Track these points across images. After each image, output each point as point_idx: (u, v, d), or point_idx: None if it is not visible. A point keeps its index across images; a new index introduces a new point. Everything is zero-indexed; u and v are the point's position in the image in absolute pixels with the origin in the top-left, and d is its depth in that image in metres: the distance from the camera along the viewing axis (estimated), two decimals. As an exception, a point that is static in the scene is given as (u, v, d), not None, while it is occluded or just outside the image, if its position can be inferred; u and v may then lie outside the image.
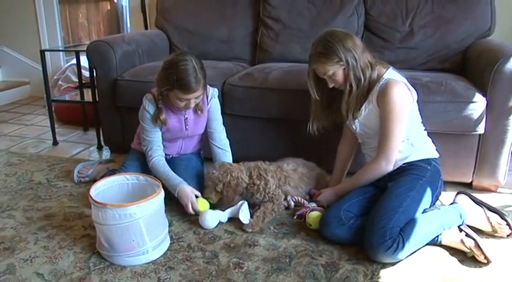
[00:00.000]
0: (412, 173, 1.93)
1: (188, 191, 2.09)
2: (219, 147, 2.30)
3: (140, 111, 2.21)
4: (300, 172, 2.26)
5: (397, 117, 1.89)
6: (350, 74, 1.91)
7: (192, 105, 2.10)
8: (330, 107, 2.11)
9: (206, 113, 2.27)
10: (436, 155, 2.03)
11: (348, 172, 2.31)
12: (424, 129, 2.06)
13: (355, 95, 1.95)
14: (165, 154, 2.28)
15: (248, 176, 2.14)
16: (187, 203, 2.07)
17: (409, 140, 1.97)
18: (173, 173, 2.16)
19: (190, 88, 2.00)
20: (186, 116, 2.22)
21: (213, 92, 2.27)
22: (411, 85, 1.98)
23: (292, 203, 2.18)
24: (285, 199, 2.18)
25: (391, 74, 1.96)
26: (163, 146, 2.27)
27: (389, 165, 1.95)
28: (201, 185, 2.19)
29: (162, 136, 2.25)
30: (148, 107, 2.17)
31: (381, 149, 1.95)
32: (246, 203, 2.12)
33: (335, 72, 1.93)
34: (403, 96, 1.91)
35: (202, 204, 2.09)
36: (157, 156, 2.22)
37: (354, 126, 2.08)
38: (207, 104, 2.25)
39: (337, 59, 1.89)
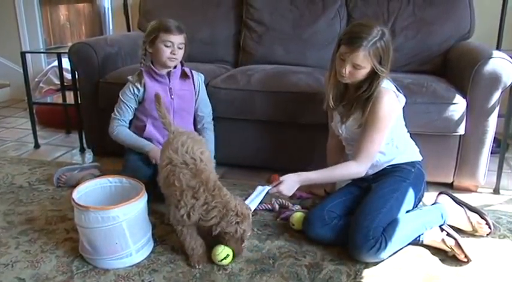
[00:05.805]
0: (396, 175, 1.94)
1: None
2: (206, 128, 2.39)
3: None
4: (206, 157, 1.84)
5: (382, 126, 1.87)
6: (374, 79, 1.84)
7: (178, 54, 2.21)
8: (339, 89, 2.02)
9: (192, 88, 2.33)
10: (420, 158, 2.04)
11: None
12: (407, 131, 2.07)
13: (357, 98, 1.90)
14: (158, 142, 2.26)
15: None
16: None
17: (393, 142, 1.96)
18: (140, 138, 2.27)
19: (173, 29, 2.19)
20: (170, 86, 2.26)
21: (199, 77, 2.39)
22: (401, 90, 1.96)
23: (277, 206, 2.19)
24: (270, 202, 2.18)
25: (384, 82, 1.89)
26: (156, 129, 2.28)
27: (365, 170, 1.93)
28: None
29: (151, 114, 2.25)
30: (133, 78, 2.28)
31: (361, 154, 1.91)
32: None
33: (364, 66, 1.81)
34: (392, 106, 1.89)
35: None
36: (121, 126, 2.29)
37: (340, 130, 2.05)
38: (193, 81, 2.34)
39: (378, 60, 1.81)
